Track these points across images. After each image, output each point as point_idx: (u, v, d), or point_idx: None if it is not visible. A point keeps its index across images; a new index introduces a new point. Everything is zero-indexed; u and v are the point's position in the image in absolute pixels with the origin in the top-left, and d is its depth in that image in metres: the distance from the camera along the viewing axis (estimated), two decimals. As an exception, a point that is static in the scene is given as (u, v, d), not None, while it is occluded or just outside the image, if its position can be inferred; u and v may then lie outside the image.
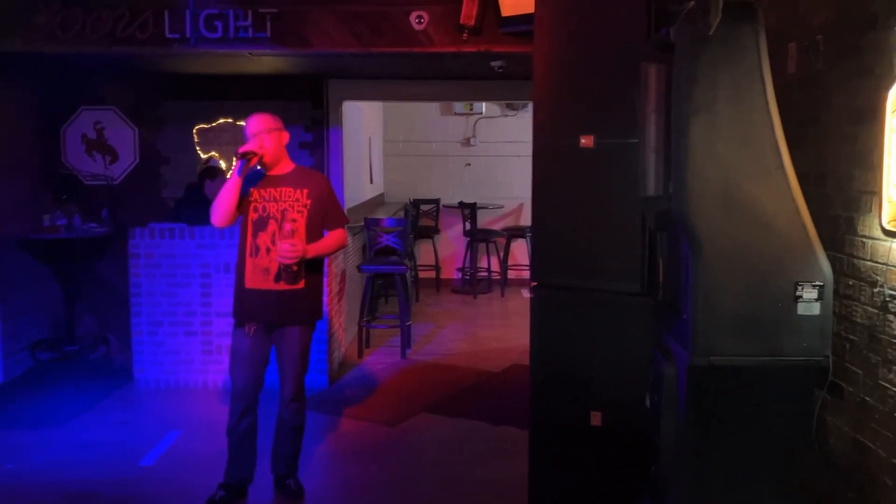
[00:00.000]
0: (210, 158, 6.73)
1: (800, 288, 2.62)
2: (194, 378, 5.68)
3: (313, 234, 3.73)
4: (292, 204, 3.70)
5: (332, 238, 3.82)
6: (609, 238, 3.46)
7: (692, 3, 2.69)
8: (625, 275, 3.42)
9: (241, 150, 3.63)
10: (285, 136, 3.81)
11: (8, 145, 6.08)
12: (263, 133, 3.68)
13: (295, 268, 3.64)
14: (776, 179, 2.68)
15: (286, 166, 3.80)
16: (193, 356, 5.67)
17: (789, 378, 2.69)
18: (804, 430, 2.75)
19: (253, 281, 3.71)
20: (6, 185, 6.06)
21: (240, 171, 3.62)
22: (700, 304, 2.68)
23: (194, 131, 6.74)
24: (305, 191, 3.73)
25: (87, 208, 6.52)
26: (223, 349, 5.64)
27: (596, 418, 3.51)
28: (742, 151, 2.71)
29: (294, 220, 3.66)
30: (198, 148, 6.75)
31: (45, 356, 6.40)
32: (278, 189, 3.72)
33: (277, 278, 3.66)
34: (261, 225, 3.70)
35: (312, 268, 3.77)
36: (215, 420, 5.04)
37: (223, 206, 3.64)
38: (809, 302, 2.60)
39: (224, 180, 6.26)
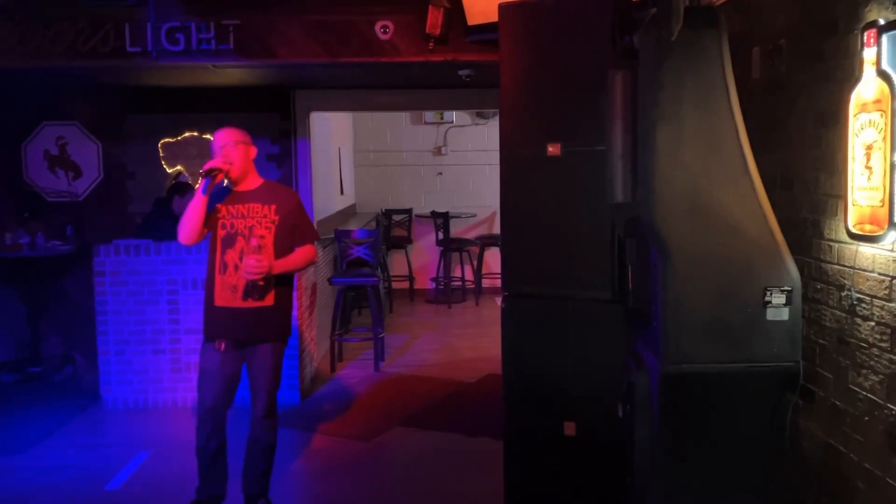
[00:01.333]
0: (179, 174, 6.63)
1: (768, 293, 2.61)
2: (163, 397, 5.57)
3: (282, 250, 3.67)
4: (260, 220, 3.65)
5: (300, 254, 3.75)
6: (579, 246, 3.44)
7: (654, 10, 2.68)
8: (595, 282, 3.40)
9: (206, 166, 3.58)
10: (253, 150, 3.76)
11: (-33, 163, 5.96)
12: (230, 146, 3.63)
13: (262, 283, 3.59)
14: (743, 184, 2.68)
15: (254, 181, 3.75)
16: (162, 374, 5.56)
17: (761, 384, 2.68)
18: (777, 436, 2.74)
19: (221, 298, 3.65)
20: (-34, 204, 5.93)
21: (205, 189, 3.56)
22: (669, 311, 2.66)
23: (160, 145, 6.64)
24: (273, 206, 3.68)
25: (50, 226, 6.40)
26: (192, 367, 5.53)
27: (570, 428, 3.48)
28: (708, 157, 2.71)
29: (262, 237, 3.61)
30: (163, 162, 6.65)
31: (8, 378, 6.26)
32: (246, 205, 3.67)
33: (245, 295, 3.61)
34: (229, 242, 3.65)
35: (281, 284, 3.72)
36: (185, 439, 4.93)
37: (189, 224, 3.59)
38: (778, 307, 2.59)
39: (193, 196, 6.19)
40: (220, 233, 3.66)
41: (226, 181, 3.68)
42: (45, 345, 6.48)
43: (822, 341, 2.74)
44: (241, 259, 3.60)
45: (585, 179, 3.38)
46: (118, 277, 5.49)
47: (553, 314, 3.51)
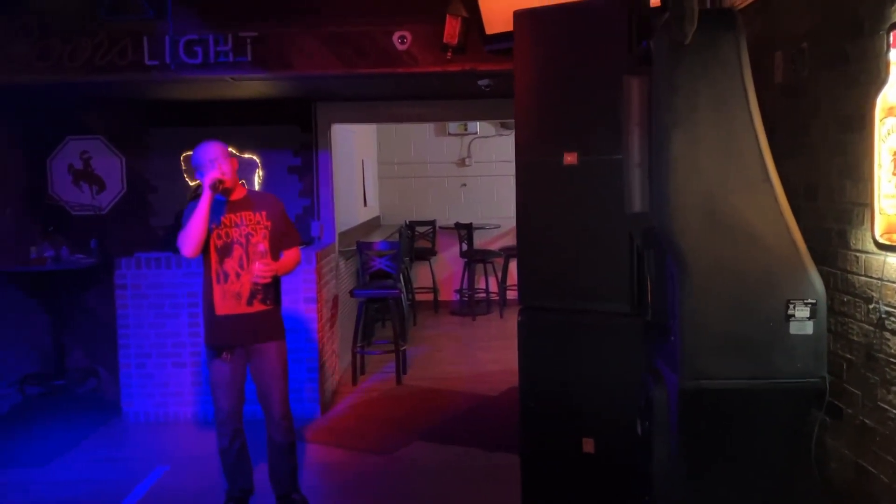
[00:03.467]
0: (199, 186, 6.63)
1: (791, 306, 2.50)
2: (184, 410, 5.56)
3: (274, 254, 3.81)
4: (254, 227, 3.77)
5: (290, 257, 3.91)
6: (596, 257, 3.36)
7: (668, 14, 2.59)
8: (613, 295, 3.32)
9: (210, 179, 3.65)
10: (235, 162, 3.86)
11: (-7, 178, 6.02)
12: (221, 158, 3.72)
13: (267, 288, 3.72)
14: (762, 192, 2.58)
15: (241, 191, 3.87)
16: (183, 388, 5.55)
17: (784, 400, 2.57)
18: (802, 455, 2.62)
19: (224, 307, 3.74)
20: (-8, 219, 5.99)
21: (210, 200, 3.65)
22: (687, 324, 2.57)
23: (182, 158, 6.66)
24: (264, 213, 3.81)
25: (74, 239, 6.44)
26: (213, 380, 5.52)
27: (588, 445, 3.38)
28: (726, 164, 2.61)
29: (262, 243, 3.73)
30: (185, 175, 6.66)
31: (33, 391, 6.30)
32: (238, 214, 3.77)
33: (251, 300, 3.72)
34: (226, 251, 3.74)
35: (276, 288, 3.85)
36: (204, 453, 4.91)
37: (196, 236, 3.65)
38: (802, 320, 2.48)
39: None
40: (217, 243, 3.74)
41: (221, 192, 3.74)
42: (68, 357, 6.51)
43: (849, 356, 2.61)
44: (241, 267, 3.71)
45: (602, 189, 3.30)
46: (139, 290, 5.50)
47: (570, 328, 3.43)
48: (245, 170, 6.36)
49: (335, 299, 6.38)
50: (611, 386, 3.31)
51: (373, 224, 9.39)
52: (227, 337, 3.76)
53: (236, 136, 6.59)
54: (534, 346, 3.52)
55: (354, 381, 6.43)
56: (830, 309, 2.62)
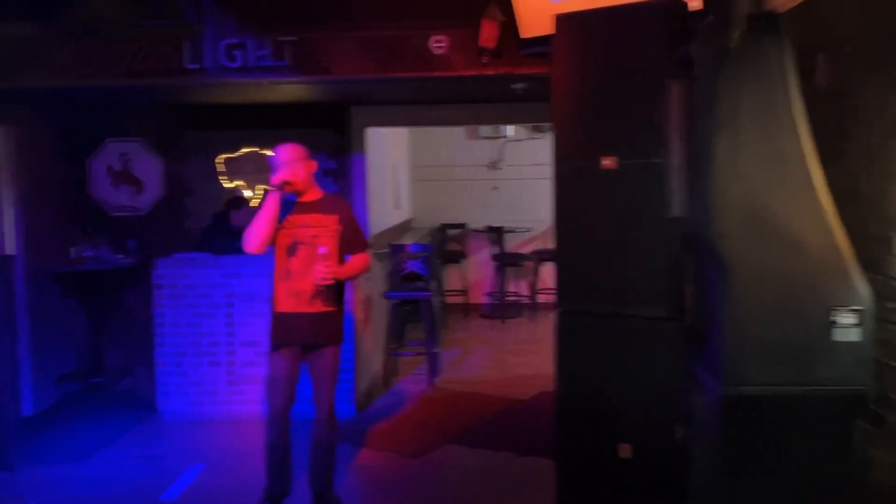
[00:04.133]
0: (236, 188, 6.72)
1: (835, 313, 2.47)
2: (219, 409, 5.62)
3: (341, 257, 3.91)
4: (323, 229, 3.87)
5: (357, 261, 4.00)
6: (635, 261, 3.34)
7: (711, 18, 2.58)
8: (652, 299, 3.29)
9: (277, 179, 3.78)
10: (313, 165, 3.98)
11: (35, 179, 6.14)
12: (294, 161, 3.85)
13: (329, 289, 3.80)
14: (806, 198, 2.55)
15: (315, 193, 3.97)
16: (218, 387, 5.62)
17: (827, 408, 2.54)
18: (846, 464, 2.59)
19: (286, 305, 3.86)
20: (34, 219, 6.11)
21: (277, 199, 3.77)
22: (728, 330, 2.55)
23: (218, 161, 6.75)
24: (335, 217, 3.91)
25: (113, 240, 6.55)
26: (247, 379, 5.58)
27: (625, 450, 3.36)
28: (769, 169, 2.59)
29: (327, 245, 3.82)
30: (222, 178, 6.75)
31: (72, 388, 6.42)
32: (309, 215, 3.88)
33: (312, 300, 3.82)
34: (293, 250, 3.85)
35: (339, 291, 3.93)
36: (239, 452, 4.98)
37: (260, 233, 3.77)
38: (846, 327, 2.45)
39: (249, 210, 6.27)
40: (285, 241, 3.85)
41: (292, 193, 3.87)
42: (105, 356, 6.61)
43: (893, 364, 2.58)
44: (306, 267, 3.80)
45: (641, 193, 3.28)
46: (176, 290, 5.58)
47: (608, 332, 3.41)
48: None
49: (368, 300, 6.42)
50: (649, 391, 3.29)
51: (404, 227, 9.42)
52: (286, 333, 3.87)
53: (272, 139, 6.57)
54: (571, 349, 3.51)
55: (387, 383, 6.47)
56: (875, 316, 2.58)
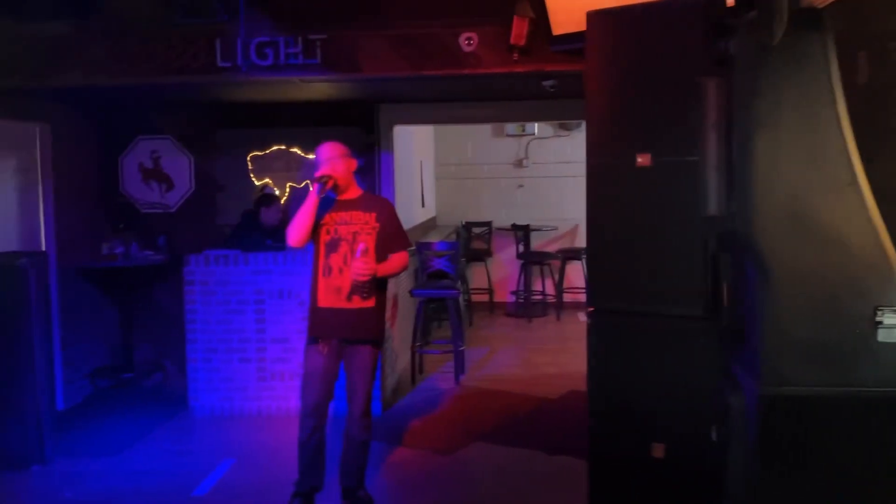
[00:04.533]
0: (265, 186, 6.77)
1: (880, 313, 2.44)
2: (248, 405, 5.66)
3: (380, 255, 3.92)
4: (362, 227, 3.90)
5: (396, 259, 3.99)
6: (669, 260, 3.32)
7: (754, 13, 2.55)
8: (686, 298, 3.28)
9: (318, 173, 3.84)
10: (353, 163, 4.03)
11: (68, 176, 6.22)
12: (336, 158, 3.91)
13: (367, 285, 3.82)
14: (849, 196, 2.52)
15: (355, 191, 4.01)
16: (248, 383, 5.66)
17: (869, 410, 2.51)
18: (887, 467, 2.55)
19: (326, 300, 3.89)
20: (67, 215, 6.19)
21: (318, 193, 3.81)
22: (769, 330, 2.53)
23: (248, 158, 6.79)
24: (374, 214, 3.93)
25: (143, 236, 6.62)
26: (277, 376, 5.62)
27: (658, 450, 3.35)
28: (811, 167, 2.56)
29: (365, 242, 3.84)
30: (252, 175, 6.80)
31: (103, 383, 6.49)
32: (349, 213, 3.92)
33: (350, 296, 3.85)
34: (333, 246, 3.89)
35: (379, 287, 3.95)
36: (269, 448, 5.01)
37: (301, 226, 3.82)
38: (891, 328, 2.42)
39: (279, 207, 6.31)
40: (325, 238, 3.90)
41: (332, 190, 3.91)
42: (136, 351, 6.69)
43: (938, 365, 2.54)
44: (345, 263, 3.85)
45: (676, 191, 3.27)
46: (207, 287, 5.62)
47: (641, 331, 3.40)
48: (310, 171, 6.45)
49: (395, 298, 6.43)
50: (683, 390, 3.27)
51: (429, 225, 9.44)
52: (324, 328, 3.91)
53: (301, 137, 6.71)
54: (603, 348, 3.50)
55: (413, 381, 6.48)
56: (918, 316, 2.55)
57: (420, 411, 5.77)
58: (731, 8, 3.44)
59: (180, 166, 6.76)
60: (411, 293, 6.70)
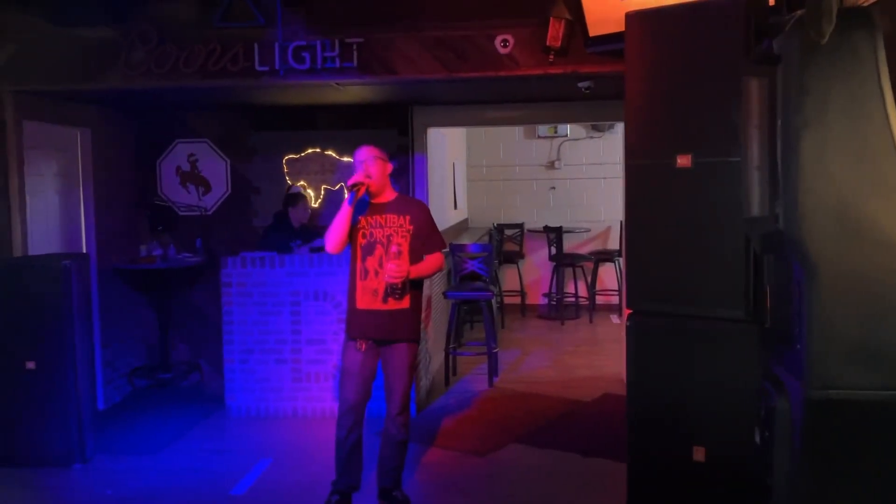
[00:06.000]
0: (291, 186, 6.81)
1: (930, 315, 2.40)
2: (284, 406, 5.71)
3: (415, 257, 3.95)
4: (396, 229, 3.94)
5: (431, 261, 4.03)
6: (710, 261, 3.29)
7: (801, 12, 2.53)
8: (727, 300, 3.25)
9: (350, 181, 3.89)
10: (388, 166, 4.08)
11: (108, 179, 6.33)
12: (370, 161, 3.96)
13: (400, 286, 3.86)
14: (898, 196, 2.48)
15: (390, 194, 4.05)
16: (283, 384, 5.71)
17: (919, 414, 2.46)
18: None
19: (363, 302, 3.95)
20: (106, 217, 6.30)
21: (350, 201, 3.87)
22: (816, 332, 2.50)
23: (283, 161, 6.86)
24: (408, 217, 3.97)
25: (181, 238, 6.71)
26: (312, 377, 5.66)
27: (699, 453, 3.32)
28: (858, 167, 2.52)
29: (399, 244, 3.88)
30: (287, 178, 6.86)
31: (141, 383, 6.59)
32: (383, 216, 3.97)
33: (385, 297, 3.90)
34: (368, 249, 3.94)
35: (415, 288, 3.99)
36: (305, 448, 5.05)
37: (337, 233, 3.89)
38: (941, 330, 2.38)
39: (306, 206, 6.35)
40: (361, 241, 3.95)
41: (366, 193, 3.96)
42: (173, 352, 6.78)
43: None
44: (380, 265, 3.90)
45: (717, 192, 3.24)
46: (244, 289, 5.68)
47: (681, 333, 3.37)
48: (345, 173, 6.49)
49: (428, 300, 6.44)
50: (724, 393, 3.24)
51: (461, 226, 9.44)
52: (362, 329, 3.95)
53: (336, 140, 6.76)
54: (643, 350, 3.47)
55: (447, 382, 6.49)
56: (969, 319, 2.50)
57: (454, 413, 5.77)
58: (772, 7, 3.41)
59: (217, 169, 6.84)
60: (445, 295, 6.71)
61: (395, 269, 3.82)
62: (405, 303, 3.92)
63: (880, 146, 2.48)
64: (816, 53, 2.48)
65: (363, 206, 3.97)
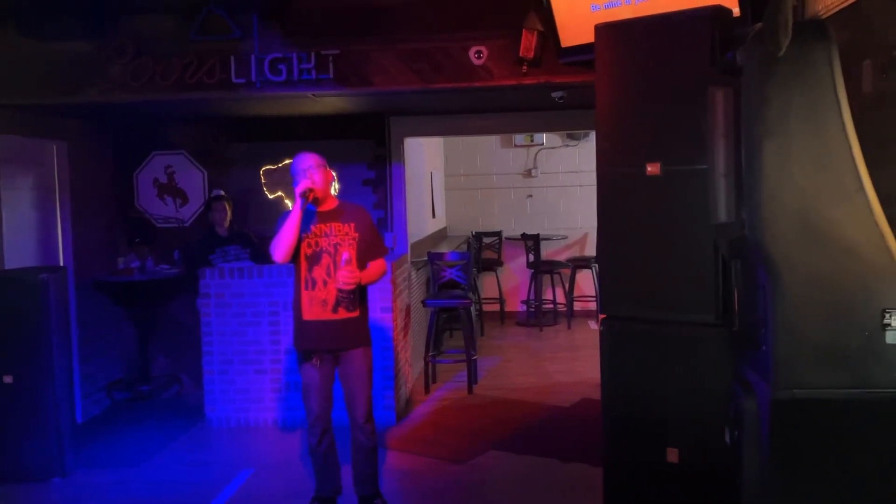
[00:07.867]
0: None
1: (888, 315, 2.48)
2: (264, 416, 5.72)
3: (360, 264, 3.93)
4: (343, 237, 3.92)
5: (375, 267, 4.03)
6: (680, 267, 3.37)
7: (760, 25, 2.61)
8: (698, 305, 3.32)
9: (300, 188, 3.82)
10: (331, 174, 4.05)
11: (85, 192, 6.32)
12: (314, 168, 3.90)
13: (352, 295, 3.84)
14: (857, 202, 2.56)
15: (332, 202, 4.03)
16: (263, 394, 5.72)
17: (881, 412, 2.54)
18: (900, 468, 2.59)
19: (311, 313, 3.91)
20: (83, 230, 6.28)
21: (301, 207, 3.81)
22: (780, 334, 2.57)
23: (261, 172, 6.88)
24: (353, 224, 3.96)
25: (159, 250, 6.71)
26: (292, 386, 5.68)
27: (672, 455, 3.38)
28: (819, 174, 2.60)
29: (349, 252, 3.86)
30: (265, 188, 6.89)
31: (120, 396, 6.57)
32: (328, 224, 3.94)
33: (336, 307, 3.87)
34: (315, 259, 3.90)
35: (362, 296, 3.99)
36: (286, 458, 5.07)
37: (286, 242, 3.81)
38: (899, 330, 2.47)
39: (220, 208, 6.20)
40: (306, 251, 3.90)
41: (312, 202, 3.91)
42: (152, 364, 6.76)
43: (948, 367, 2.58)
44: (328, 275, 3.86)
45: (686, 199, 3.31)
46: (222, 300, 5.70)
47: (653, 337, 3.44)
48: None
49: (408, 309, 6.49)
50: (696, 395, 3.31)
51: (440, 235, 9.50)
52: (313, 341, 3.93)
53: (313, 150, 6.74)
54: (617, 354, 3.54)
55: (427, 390, 6.53)
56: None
57: (434, 420, 5.81)
58: (737, 19, 3.51)
59: (194, 181, 6.85)
60: (424, 304, 6.76)
61: (348, 275, 3.79)
62: (355, 312, 3.91)
63: (839, 154, 2.56)
64: (776, 65, 2.57)
65: (308, 215, 3.91)
